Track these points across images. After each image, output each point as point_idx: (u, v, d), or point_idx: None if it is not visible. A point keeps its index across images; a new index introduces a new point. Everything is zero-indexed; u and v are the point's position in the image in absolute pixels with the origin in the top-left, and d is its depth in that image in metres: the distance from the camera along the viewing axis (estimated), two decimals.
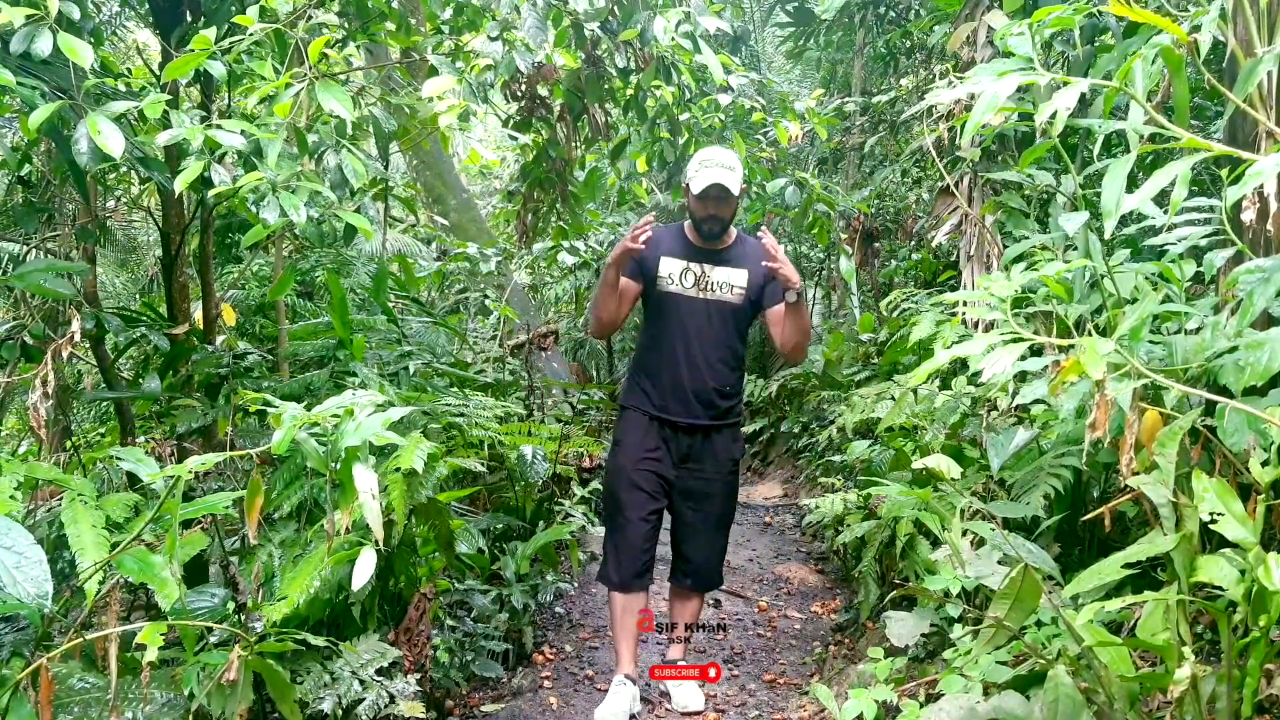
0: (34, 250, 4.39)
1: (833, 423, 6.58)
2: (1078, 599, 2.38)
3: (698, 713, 3.44)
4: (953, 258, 6.54)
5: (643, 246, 3.18)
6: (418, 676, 3.05)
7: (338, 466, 2.12)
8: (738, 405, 3.52)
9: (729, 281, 3.38)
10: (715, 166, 3.26)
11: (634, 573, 3.43)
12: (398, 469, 3.06)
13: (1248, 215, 2.50)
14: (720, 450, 3.47)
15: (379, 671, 2.92)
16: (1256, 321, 2.47)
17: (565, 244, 6.61)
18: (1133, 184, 2.11)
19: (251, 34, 2.73)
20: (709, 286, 3.38)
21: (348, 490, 2.10)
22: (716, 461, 3.47)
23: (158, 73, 4.00)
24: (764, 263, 3.21)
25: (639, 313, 3.65)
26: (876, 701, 2.67)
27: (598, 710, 3.37)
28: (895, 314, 6.58)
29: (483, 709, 3.48)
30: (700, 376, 3.37)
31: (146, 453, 2.26)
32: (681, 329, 3.38)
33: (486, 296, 6.93)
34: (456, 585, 3.87)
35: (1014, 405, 3.59)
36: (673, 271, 3.38)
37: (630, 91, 4.68)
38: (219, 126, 2.62)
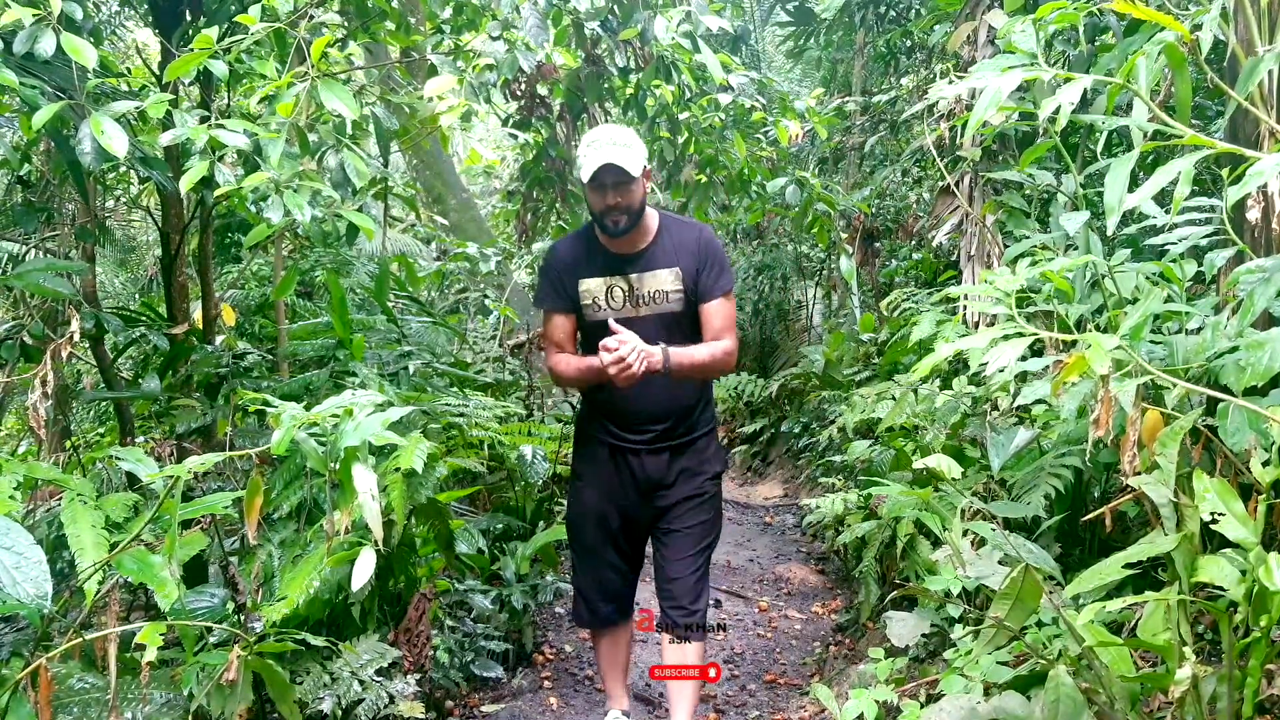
0: (34, 250, 4.39)
1: (833, 423, 6.58)
2: (1078, 599, 2.38)
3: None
4: (953, 257, 6.54)
5: (624, 381, 2.72)
6: (417, 677, 3.05)
7: (337, 467, 2.11)
8: (706, 413, 3.04)
9: (662, 289, 2.87)
10: (605, 145, 2.71)
11: (606, 609, 3.09)
12: (397, 469, 3.06)
13: (1251, 214, 2.50)
14: (694, 464, 2.99)
15: (379, 672, 2.92)
16: (1257, 321, 2.46)
17: None
18: (1133, 183, 2.11)
19: (253, 33, 2.72)
20: (641, 300, 2.87)
21: (347, 490, 2.10)
22: (691, 478, 2.99)
23: (158, 72, 4.00)
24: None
25: None
26: (877, 702, 2.66)
27: None
28: (896, 314, 6.58)
29: (483, 709, 3.48)
30: (656, 398, 2.89)
31: (146, 453, 2.26)
32: None
33: (486, 296, 6.92)
34: (456, 585, 3.86)
35: (1015, 405, 3.59)
36: (596, 295, 2.88)
37: (630, 91, 4.68)
38: (222, 126, 2.61)
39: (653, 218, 2.93)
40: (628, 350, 2.69)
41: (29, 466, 2.60)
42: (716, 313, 2.90)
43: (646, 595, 3.75)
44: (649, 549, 3.17)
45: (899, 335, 6.07)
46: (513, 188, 5.53)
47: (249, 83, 3.90)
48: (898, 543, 3.70)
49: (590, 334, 2.93)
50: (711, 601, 4.20)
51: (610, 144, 2.73)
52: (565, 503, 3.13)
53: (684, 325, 2.91)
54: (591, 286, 2.89)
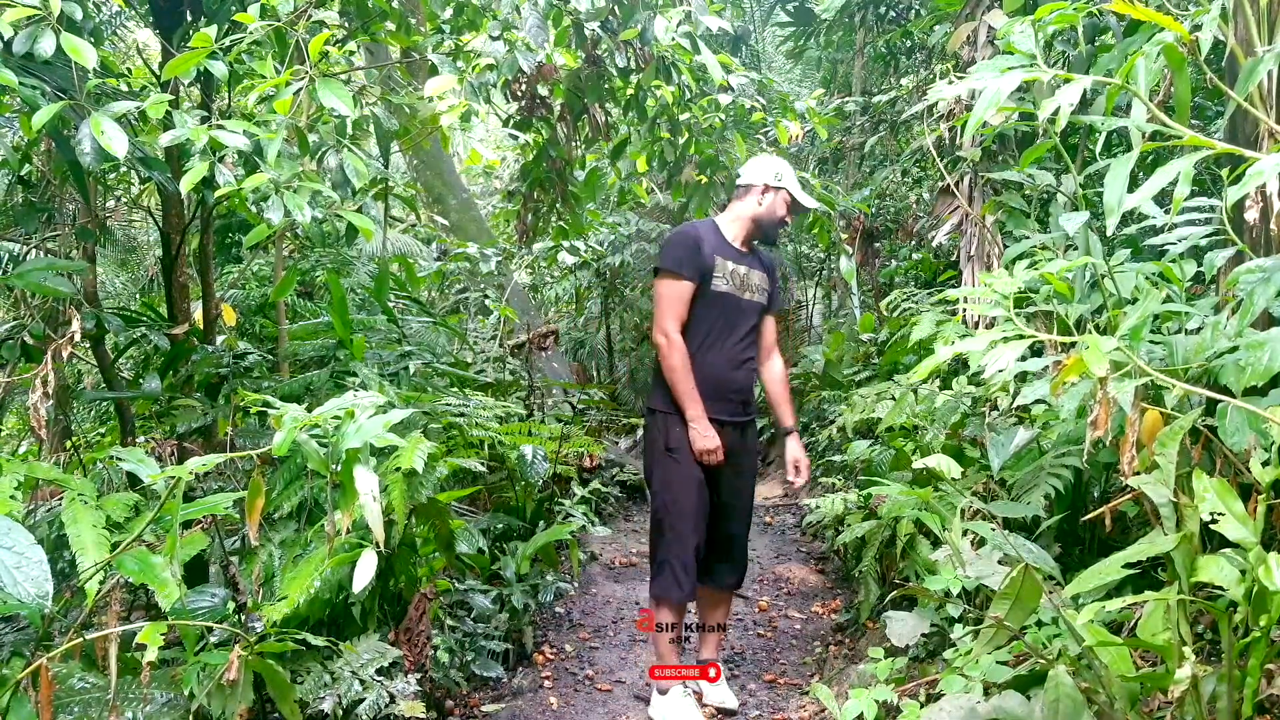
0: (34, 250, 4.39)
1: (833, 422, 6.58)
2: (1078, 599, 2.38)
3: (733, 712, 3.45)
4: (953, 257, 6.54)
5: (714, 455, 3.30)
6: (418, 676, 3.05)
7: (338, 468, 2.12)
8: (754, 401, 3.60)
9: (760, 284, 3.45)
10: (804, 194, 3.46)
11: (689, 580, 3.33)
12: (398, 469, 3.06)
13: (1250, 214, 2.50)
14: (752, 444, 3.54)
15: (379, 671, 2.92)
16: (1257, 321, 2.47)
17: (565, 244, 6.61)
18: (1133, 184, 2.11)
19: (252, 32, 2.72)
20: (748, 286, 3.41)
21: (348, 491, 2.10)
22: (750, 455, 3.54)
23: (158, 72, 4.00)
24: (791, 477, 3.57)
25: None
26: (877, 701, 2.67)
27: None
28: (895, 314, 6.58)
29: (483, 709, 3.48)
30: (741, 374, 3.41)
31: (147, 453, 2.26)
32: (733, 331, 3.37)
33: (486, 296, 6.93)
34: (457, 585, 3.86)
35: (1015, 405, 3.59)
36: (727, 271, 3.37)
37: (630, 91, 4.68)
38: (221, 127, 2.61)
39: None
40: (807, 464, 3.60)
41: (30, 466, 2.60)
42: (773, 325, 3.61)
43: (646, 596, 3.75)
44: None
45: (899, 335, 6.08)
46: (513, 188, 5.52)
47: (249, 82, 3.89)
48: (898, 543, 3.70)
49: (709, 302, 3.34)
50: None
51: (795, 181, 3.46)
52: (660, 474, 3.40)
53: (758, 317, 3.49)
54: (728, 265, 3.39)
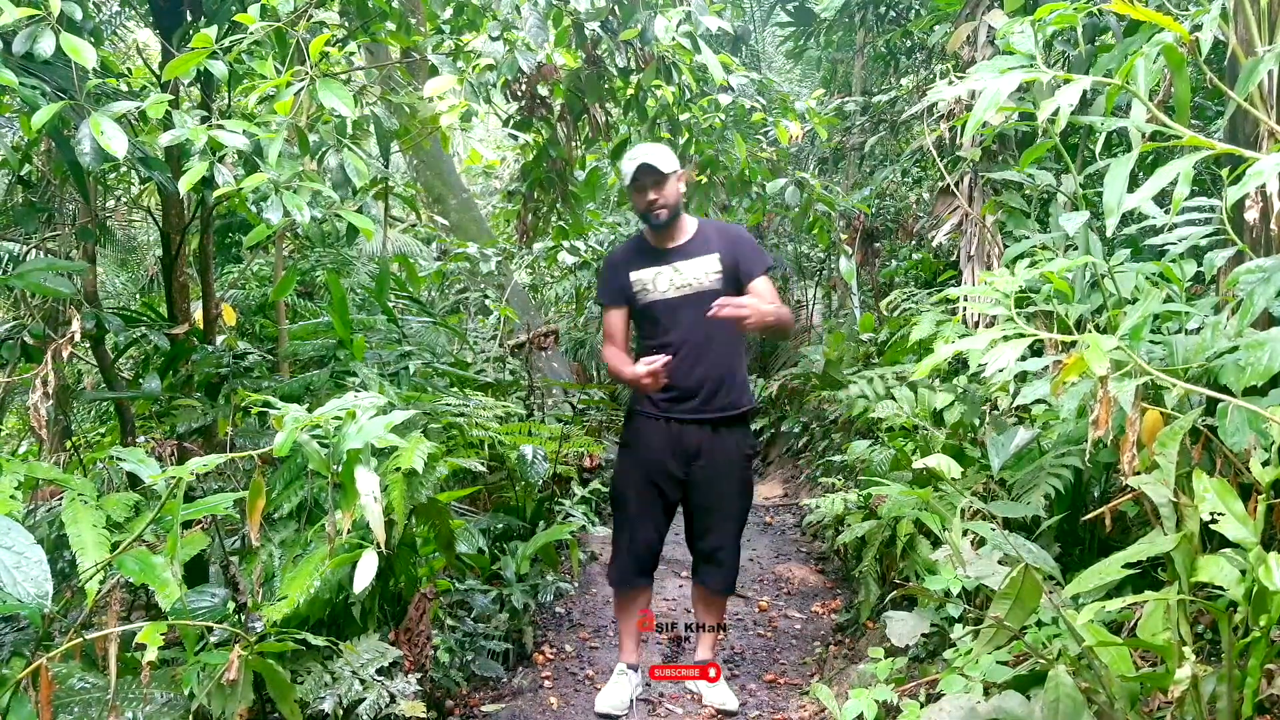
0: (34, 250, 4.39)
1: (834, 422, 6.57)
2: (1078, 599, 2.38)
3: (733, 713, 3.46)
4: (953, 258, 6.54)
5: (656, 387, 3.19)
6: (418, 676, 3.05)
7: (339, 468, 2.12)
8: (744, 396, 3.45)
9: (702, 269, 3.35)
10: (639, 153, 3.30)
11: (635, 571, 3.47)
12: (398, 469, 3.06)
13: (1250, 214, 2.50)
14: (730, 444, 3.41)
15: (379, 671, 2.92)
16: (1257, 321, 2.47)
17: (565, 244, 6.60)
18: (1133, 184, 2.11)
19: (252, 33, 2.72)
20: (684, 283, 3.35)
21: (349, 492, 2.10)
22: (727, 456, 3.41)
23: (158, 72, 4.00)
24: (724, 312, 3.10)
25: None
26: (877, 701, 2.67)
27: (598, 698, 3.45)
28: (895, 314, 6.58)
29: (483, 709, 3.48)
30: (700, 370, 3.33)
31: (147, 453, 2.26)
32: (674, 329, 3.35)
33: (486, 296, 6.93)
34: (457, 585, 3.86)
35: (1015, 405, 3.59)
36: (645, 281, 3.37)
37: (630, 91, 4.68)
38: (221, 127, 2.61)
39: (692, 220, 3.48)
40: (749, 310, 3.07)
41: (30, 466, 2.60)
42: (764, 287, 3.36)
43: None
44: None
45: (899, 335, 6.07)
46: (513, 188, 5.52)
47: (249, 82, 3.90)
48: (898, 542, 3.70)
49: (642, 317, 3.43)
50: None
51: (643, 153, 3.30)
52: (614, 469, 3.61)
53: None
54: (643, 276, 3.39)
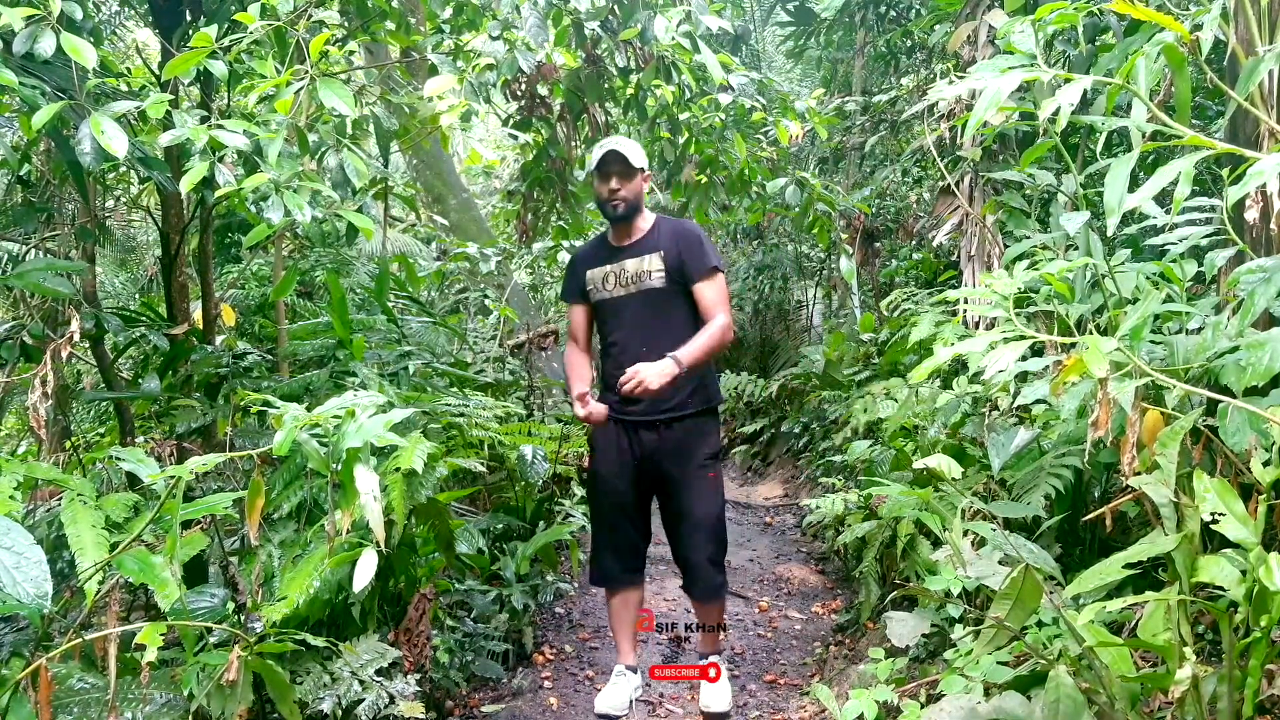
0: (34, 250, 4.39)
1: (834, 422, 6.57)
2: (1079, 599, 2.38)
3: (724, 714, 3.42)
4: (953, 257, 6.54)
5: (594, 420, 3.27)
6: (418, 677, 3.05)
7: (338, 468, 2.11)
8: (700, 395, 3.32)
9: (645, 269, 3.30)
10: (609, 142, 3.27)
11: (618, 568, 3.45)
12: (398, 469, 3.06)
13: (1251, 214, 2.50)
14: (685, 444, 3.30)
15: (379, 672, 2.91)
16: (1258, 321, 2.46)
17: (565, 244, 6.60)
18: (1134, 184, 2.11)
19: (252, 32, 2.72)
20: (629, 280, 3.32)
21: (348, 492, 2.10)
22: (683, 455, 3.30)
23: (158, 72, 4.00)
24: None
25: None
26: (877, 702, 2.66)
27: (597, 699, 3.43)
28: (896, 314, 6.58)
29: (483, 709, 3.48)
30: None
31: (146, 453, 2.26)
32: (620, 329, 3.35)
33: (486, 296, 6.92)
34: (456, 585, 3.86)
35: (1015, 405, 3.59)
36: (596, 279, 3.39)
37: (630, 91, 4.68)
38: (221, 126, 2.61)
39: (649, 218, 3.42)
40: (643, 377, 3.05)
41: (29, 466, 2.60)
42: (707, 288, 3.28)
43: (645, 596, 3.74)
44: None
45: (899, 335, 6.07)
46: (513, 188, 5.53)
47: (249, 82, 3.90)
48: (898, 543, 3.70)
49: (596, 315, 3.47)
50: None
51: (614, 142, 3.28)
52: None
53: (668, 302, 3.31)
54: (595, 274, 3.40)
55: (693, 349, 3.14)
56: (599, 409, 3.28)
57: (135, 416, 4.20)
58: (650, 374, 3.03)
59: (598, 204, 3.37)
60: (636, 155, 3.27)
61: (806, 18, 9.62)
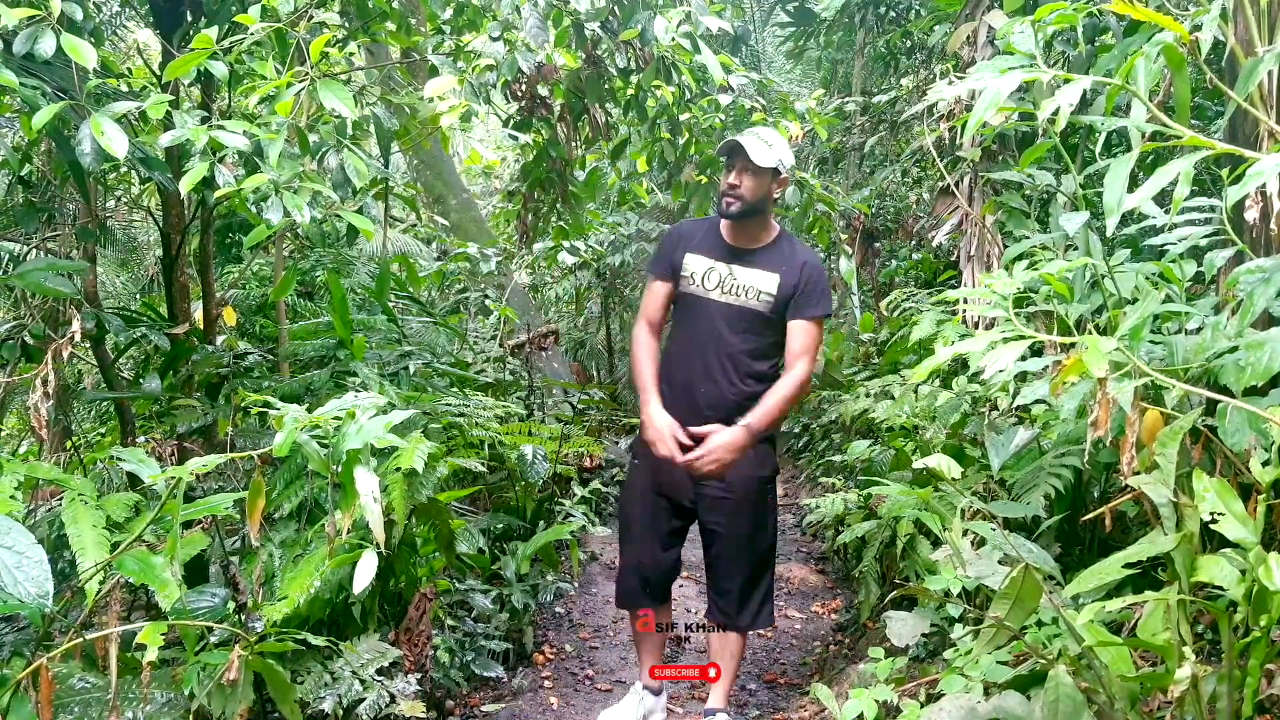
0: (35, 250, 4.39)
1: (833, 422, 6.57)
2: (1078, 599, 2.38)
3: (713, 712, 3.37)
4: (953, 258, 6.54)
5: (660, 451, 2.96)
6: (418, 676, 3.05)
7: (339, 468, 2.12)
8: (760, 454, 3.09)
9: (755, 285, 3.02)
10: (747, 134, 2.99)
11: (642, 592, 3.20)
12: (398, 469, 3.06)
13: (1250, 214, 2.50)
14: (741, 463, 2.98)
15: (379, 671, 2.92)
16: (1257, 321, 2.46)
17: (565, 244, 6.61)
18: (1133, 184, 2.11)
19: (252, 33, 2.72)
20: (734, 290, 3.03)
21: (349, 492, 2.10)
22: (737, 477, 3.03)
23: (158, 73, 4.00)
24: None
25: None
26: (877, 701, 2.66)
27: (605, 712, 3.28)
28: (895, 314, 6.58)
29: (483, 709, 3.48)
30: (716, 387, 3.02)
31: (147, 453, 2.26)
32: (699, 334, 3.05)
33: (486, 296, 6.93)
34: (457, 585, 3.86)
35: (1015, 405, 3.59)
36: (695, 270, 3.08)
37: (630, 91, 4.68)
38: (221, 127, 2.62)
39: (774, 229, 3.13)
40: (718, 456, 2.89)
41: (30, 466, 2.61)
42: (801, 333, 3.03)
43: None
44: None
45: (899, 335, 6.07)
46: (513, 188, 5.53)
47: (250, 83, 3.90)
48: (898, 542, 3.70)
49: (679, 303, 3.14)
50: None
51: (752, 135, 2.98)
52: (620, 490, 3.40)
53: (758, 327, 3.04)
54: (697, 263, 3.09)
55: (765, 413, 2.93)
56: (671, 439, 2.94)
57: (136, 416, 4.20)
58: (723, 450, 2.89)
59: (715, 198, 3.15)
60: (762, 153, 2.93)
61: (806, 18, 9.62)
